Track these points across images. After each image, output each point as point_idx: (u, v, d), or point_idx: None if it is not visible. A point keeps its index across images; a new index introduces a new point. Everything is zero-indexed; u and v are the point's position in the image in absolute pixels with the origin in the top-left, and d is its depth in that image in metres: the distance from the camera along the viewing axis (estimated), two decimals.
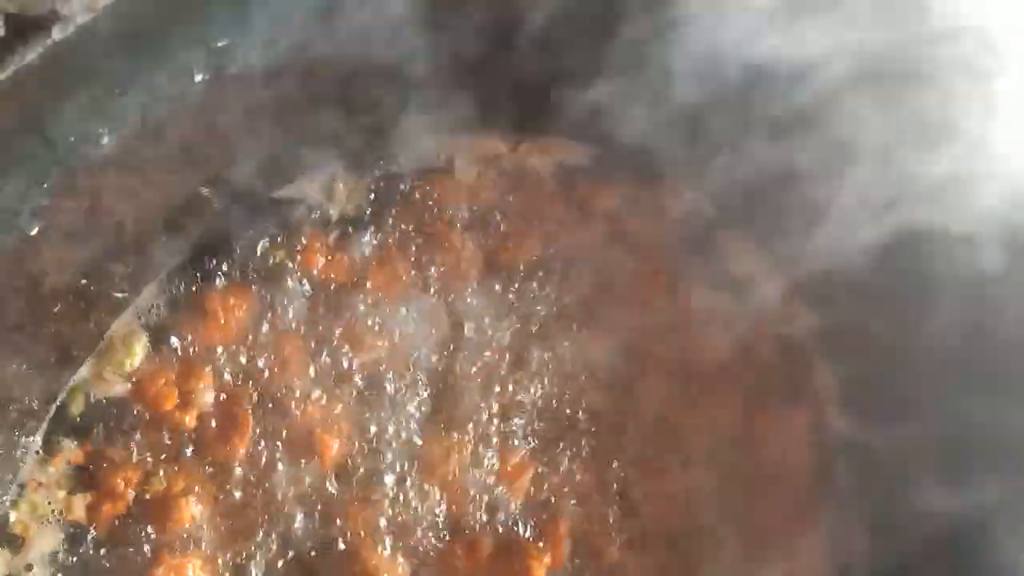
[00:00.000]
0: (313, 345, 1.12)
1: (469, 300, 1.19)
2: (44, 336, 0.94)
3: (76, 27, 0.62)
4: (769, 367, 1.21)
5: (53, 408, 1.00)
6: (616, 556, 1.14)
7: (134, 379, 1.06)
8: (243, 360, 1.10)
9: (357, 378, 1.13)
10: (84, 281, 0.94)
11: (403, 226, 1.18)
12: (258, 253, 1.11)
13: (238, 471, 1.09)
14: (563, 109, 1.06)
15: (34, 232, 0.82)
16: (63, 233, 0.86)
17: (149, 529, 1.06)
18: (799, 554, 1.27)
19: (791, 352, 1.21)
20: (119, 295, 1.00)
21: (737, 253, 1.21)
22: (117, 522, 1.04)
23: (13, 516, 1.00)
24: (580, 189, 1.22)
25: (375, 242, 1.17)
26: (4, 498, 0.97)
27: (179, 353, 1.08)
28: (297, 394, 1.11)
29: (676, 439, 1.18)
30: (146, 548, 1.05)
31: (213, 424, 1.08)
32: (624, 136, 1.05)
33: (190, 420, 1.07)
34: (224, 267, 1.10)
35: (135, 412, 1.06)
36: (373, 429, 1.13)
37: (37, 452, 1.00)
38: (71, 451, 1.02)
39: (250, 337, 1.10)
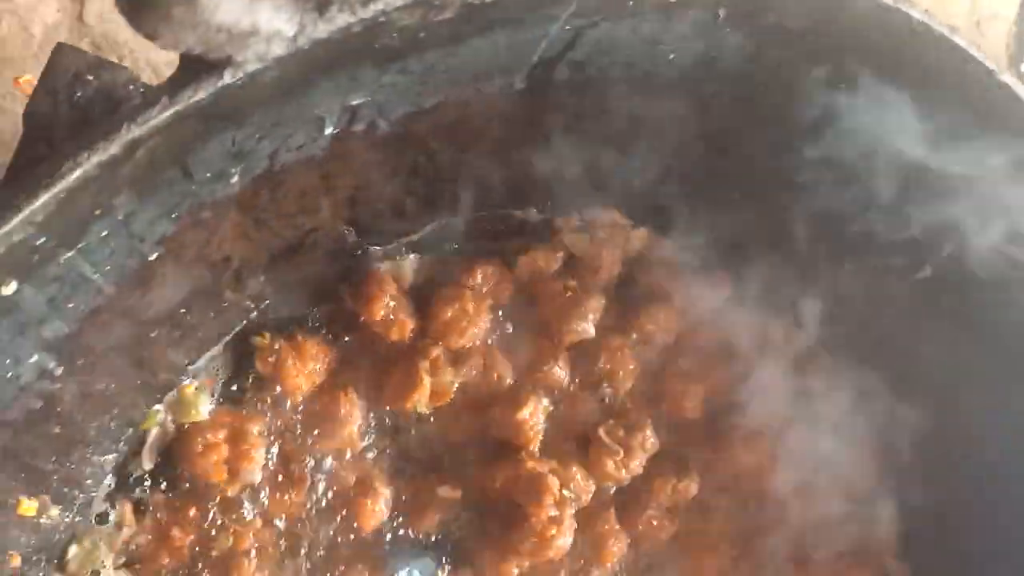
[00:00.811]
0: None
1: None
2: (136, 361, 0.96)
3: (245, 74, 0.65)
4: None
5: (128, 433, 1.01)
6: None
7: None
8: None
9: None
10: (183, 310, 0.97)
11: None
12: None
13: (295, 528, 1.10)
14: None
15: (153, 258, 0.85)
16: (177, 263, 0.89)
17: None
18: None
19: None
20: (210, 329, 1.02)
21: None
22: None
23: (72, 550, 1.00)
24: None
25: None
26: (66, 515, 0.98)
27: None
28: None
29: None
30: None
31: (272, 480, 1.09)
32: None
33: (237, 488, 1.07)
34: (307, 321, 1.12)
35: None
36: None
37: (108, 477, 1.01)
38: (135, 496, 1.03)
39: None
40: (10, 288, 0.68)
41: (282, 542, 1.08)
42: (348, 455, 1.11)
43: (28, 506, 0.91)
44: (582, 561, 1.16)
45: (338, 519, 1.10)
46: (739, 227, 1.10)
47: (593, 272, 1.19)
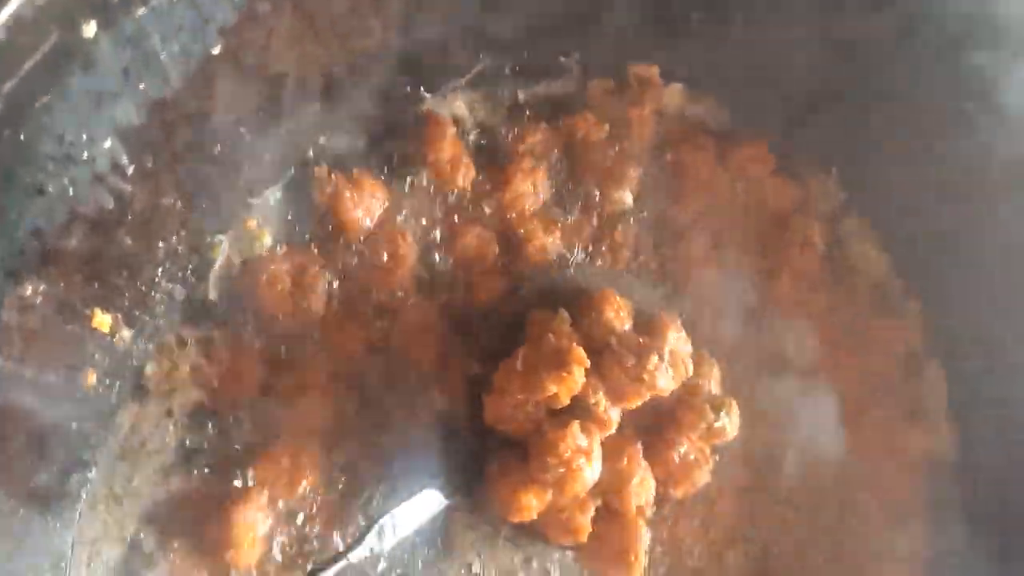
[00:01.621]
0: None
1: None
2: (200, 181, 0.97)
3: None
4: None
5: (195, 262, 1.02)
6: None
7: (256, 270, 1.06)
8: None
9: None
10: (243, 129, 0.98)
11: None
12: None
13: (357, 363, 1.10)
14: None
15: (215, 52, 0.86)
16: (237, 68, 0.90)
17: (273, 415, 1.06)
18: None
19: None
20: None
21: None
22: (241, 404, 1.05)
23: (149, 368, 1.01)
24: None
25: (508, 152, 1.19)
26: (138, 341, 0.99)
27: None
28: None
29: None
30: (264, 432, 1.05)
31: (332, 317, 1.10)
32: None
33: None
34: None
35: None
36: None
37: (176, 306, 1.02)
38: (202, 328, 1.04)
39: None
40: (91, 29, 0.70)
41: (344, 379, 1.08)
42: (402, 296, 1.12)
43: (101, 319, 0.92)
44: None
45: (395, 358, 1.11)
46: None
47: (628, 131, 1.20)
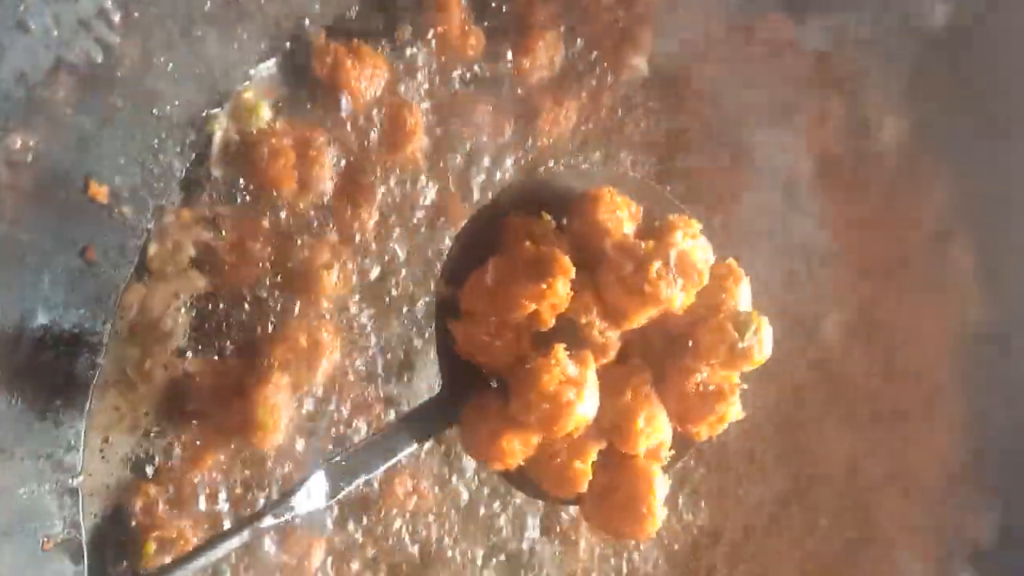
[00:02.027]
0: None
1: None
2: (192, 42, 0.92)
3: None
4: None
5: (192, 137, 0.97)
6: None
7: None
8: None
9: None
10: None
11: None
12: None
13: (370, 243, 1.05)
14: None
15: None
16: None
17: (285, 296, 1.02)
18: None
19: None
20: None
21: None
22: (254, 284, 1.00)
23: (152, 248, 0.97)
24: None
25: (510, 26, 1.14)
26: (139, 219, 0.94)
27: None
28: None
29: None
30: (279, 312, 1.01)
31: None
32: None
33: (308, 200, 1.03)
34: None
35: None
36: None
37: (176, 184, 0.97)
38: (206, 207, 0.99)
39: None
40: None
41: (358, 257, 1.03)
42: (412, 171, 1.07)
43: (97, 190, 0.88)
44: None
45: (409, 233, 1.06)
46: None
47: None
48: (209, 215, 0.98)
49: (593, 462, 0.83)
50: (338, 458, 0.82)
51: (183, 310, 0.97)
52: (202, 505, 0.96)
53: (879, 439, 1.24)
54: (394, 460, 0.84)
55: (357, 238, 1.03)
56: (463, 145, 1.08)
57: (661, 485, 0.84)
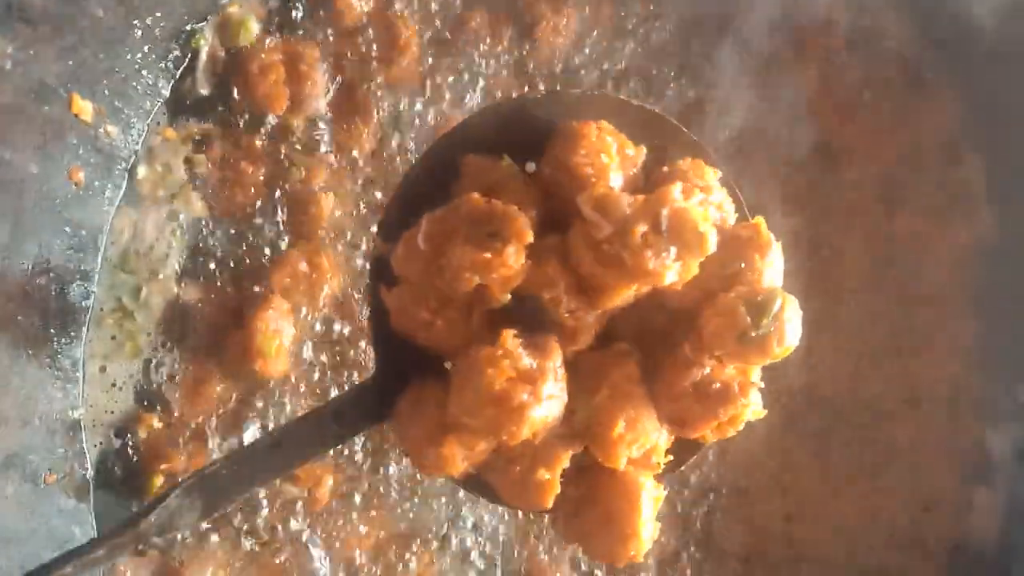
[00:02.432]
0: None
1: None
2: None
3: None
4: None
5: (176, 53, 0.93)
6: None
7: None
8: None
9: None
10: None
11: None
12: None
13: (368, 163, 1.01)
14: None
15: None
16: None
17: (282, 220, 0.98)
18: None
19: None
20: None
21: None
22: (249, 207, 0.96)
23: (142, 171, 0.92)
24: None
25: None
26: (126, 139, 0.90)
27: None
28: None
29: None
30: (277, 235, 0.97)
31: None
32: None
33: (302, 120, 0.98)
34: None
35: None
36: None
37: (162, 103, 0.93)
38: (195, 127, 0.95)
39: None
40: None
41: (357, 179, 1.00)
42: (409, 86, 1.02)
43: (81, 106, 0.83)
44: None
45: (407, 152, 1.02)
46: None
47: None
48: (198, 136, 0.94)
49: (565, 469, 0.65)
50: (219, 467, 0.65)
51: (178, 235, 0.93)
52: (206, 436, 0.94)
53: (892, 365, 1.23)
54: (291, 469, 0.71)
55: (355, 158, 0.99)
56: (459, 58, 1.04)
57: (650, 500, 0.66)
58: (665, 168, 0.68)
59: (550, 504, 0.65)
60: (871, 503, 1.17)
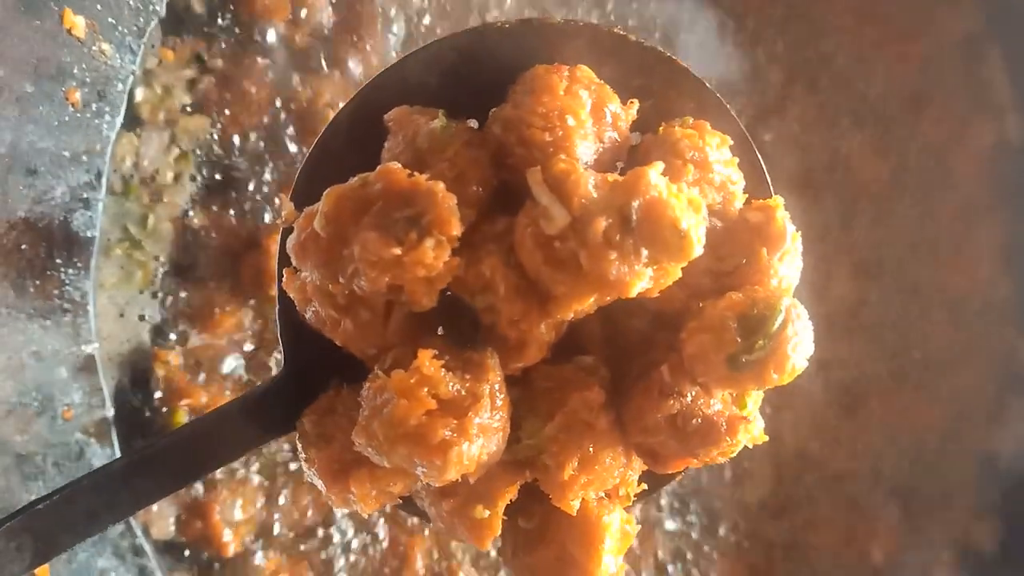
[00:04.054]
0: None
1: None
2: None
3: None
4: None
5: None
6: None
7: None
8: None
9: None
10: None
11: None
12: None
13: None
14: None
15: None
16: None
17: (290, 140, 0.93)
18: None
19: None
20: None
21: None
22: (255, 129, 0.92)
23: (140, 93, 0.88)
24: None
25: None
26: (121, 59, 0.85)
27: None
28: None
29: None
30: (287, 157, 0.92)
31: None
32: None
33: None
34: None
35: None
36: None
37: (159, 17, 0.87)
38: (194, 43, 0.90)
39: None
40: None
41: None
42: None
43: (73, 21, 0.79)
44: None
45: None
46: None
47: None
48: (198, 56, 0.89)
49: (512, 502, 0.52)
50: (60, 499, 0.49)
51: (182, 160, 0.89)
52: (225, 368, 0.90)
53: (918, 273, 1.19)
54: (165, 494, 0.54)
55: (359, 74, 0.95)
56: None
57: (614, 541, 0.54)
58: (661, 129, 0.53)
59: (488, 546, 0.53)
60: (901, 414, 1.15)
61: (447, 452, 0.45)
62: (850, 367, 1.15)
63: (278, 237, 0.88)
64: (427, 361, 0.47)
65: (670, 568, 1.03)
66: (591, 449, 0.51)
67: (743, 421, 0.51)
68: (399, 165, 0.48)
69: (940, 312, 1.20)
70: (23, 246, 0.78)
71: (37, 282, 0.79)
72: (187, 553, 0.89)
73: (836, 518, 1.12)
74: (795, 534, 1.11)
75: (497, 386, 0.49)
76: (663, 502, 1.03)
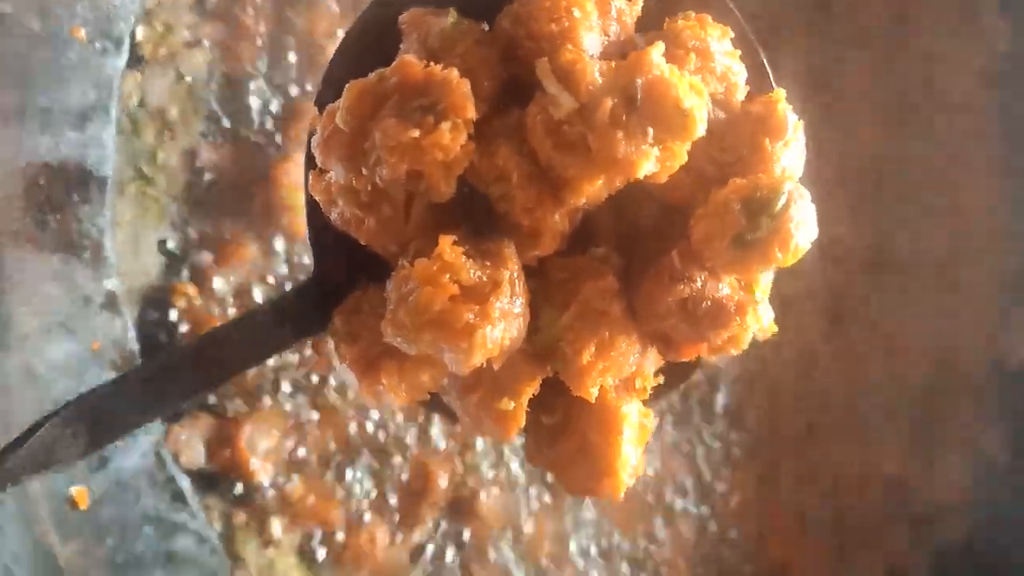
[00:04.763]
0: None
1: None
2: None
3: None
4: None
5: None
6: None
7: None
8: None
9: None
10: None
11: None
12: None
13: None
14: None
15: None
16: None
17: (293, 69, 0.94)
18: None
19: None
20: None
21: None
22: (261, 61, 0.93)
23: (140, 32, 0.89)
24: None
25: None
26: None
27: None
28: None
29: None
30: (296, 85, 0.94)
31: None
32: None
33: None
34: None
35: None
36: None
37: None
38: None
39: None
40: None
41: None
42: None
43: None
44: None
45: None
46: None
47: None
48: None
49: (536, 394, 0.55)
50: (112, 389, 0.54)
51: (187, 97, 0.91)
52: (243, 298, 0.92)
53: (916, 187, 1.20)
54: (212, 388, 0.61)
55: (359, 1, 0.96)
56: None
57: (633, 432, 0.56)
58: (667, 23, 0.56)
59: (513, 438, 0.56)
60: (906, 324, 1.17)
61: (471, 335, 0.47)
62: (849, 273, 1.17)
63: (287, 167, 0.91)
64: (448, 248, 0.49)
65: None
66: (607, 335, 0.53)
67: (752, 303, 0.53)
68: (414, 58, 0.51)
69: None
70: (41, 181, 0.79)
71: (57, 216, 0.81)
72: (217, 481, 0.91)
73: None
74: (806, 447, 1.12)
75: (516, 273, 0.51)
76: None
